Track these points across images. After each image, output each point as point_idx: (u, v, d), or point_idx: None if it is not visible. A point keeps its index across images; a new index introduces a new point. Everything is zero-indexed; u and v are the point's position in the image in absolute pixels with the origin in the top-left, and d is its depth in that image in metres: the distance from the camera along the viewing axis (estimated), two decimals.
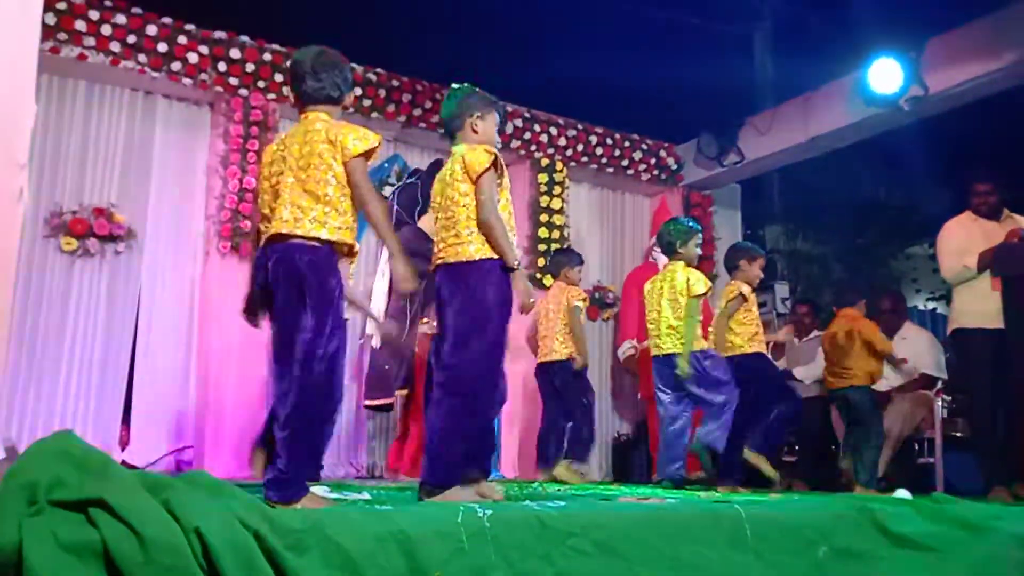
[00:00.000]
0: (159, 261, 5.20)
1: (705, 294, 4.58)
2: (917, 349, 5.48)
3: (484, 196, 2.83)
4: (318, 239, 2.55)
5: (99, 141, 5.12)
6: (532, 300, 3.01)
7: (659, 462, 4.66)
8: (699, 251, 4.78)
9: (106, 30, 4.79)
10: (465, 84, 3.09)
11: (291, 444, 2.47)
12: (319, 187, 2.59)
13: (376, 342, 4.94)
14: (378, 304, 4.97)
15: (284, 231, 2.58)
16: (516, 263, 2.85)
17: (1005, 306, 4.25)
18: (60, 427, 1.95)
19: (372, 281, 5.24)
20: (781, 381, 4.79)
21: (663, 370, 4.62)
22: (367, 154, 2.63)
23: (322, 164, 2.60)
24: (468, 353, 2.78)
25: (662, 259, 5.79)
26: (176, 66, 5.03)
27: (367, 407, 5.02)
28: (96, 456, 1.82)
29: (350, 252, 2.67)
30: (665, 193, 6.93)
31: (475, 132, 3.01)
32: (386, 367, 4.83)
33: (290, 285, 2.56)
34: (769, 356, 5.02)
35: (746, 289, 4.64)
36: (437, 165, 4.52)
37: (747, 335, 4.64)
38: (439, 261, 2.92)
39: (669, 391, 4.61)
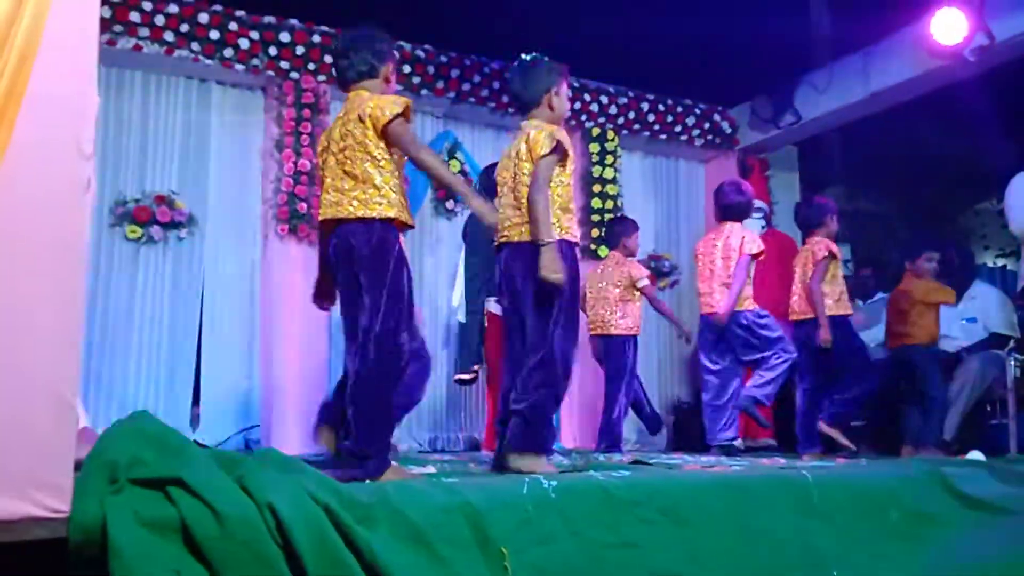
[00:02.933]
0: (220, 245, 5.30)
1: (759, 255, 4.55)
2: (987, 307, 5.33)
3: (539, 176, 2.87)
4: (369, 219, 2.58)
5: (157, 130, 5.23)
6: (557, 275, 2.84)
7: (708, 429, 4.64)
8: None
9: (159, 20, 4.87)
10: (536, 55, 3.07)
11: (361, 420, 2.52)
12: (356, 167, 2.62)
13: (461, 316, 4.98)
14: (461, 281, 5.01)
15: (328, 215, 2.65)
16: (546, 240, 2.81)
17: None
18: (133, 409, 2.02)
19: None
20: (865, 355, 4.66)
21: (711, 329, 4.59)
22: (401, 116, 2.63)
23: (355, 144, 2.62)
24: (545, 329, 2.82)
25: (752, 226, 5.58)
26: (228, 52, 5.10)
27: (456, 381, 5.07)
28: (172, 435, 1.89)
29: (404, 226, 2.69)
30: (749, 159, 6.76)
31: (551, 109, 3.02)
32: (469, 342, 4.90)
33: (348, 266, 2.61)
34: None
35: (834, 247, 4.57)
36: None
37: (835, 295, 4.55)
38: (503, 239, 2.96)
39: (714, 352, 4.58)
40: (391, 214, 2.62)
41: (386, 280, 2.58)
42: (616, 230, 5.39)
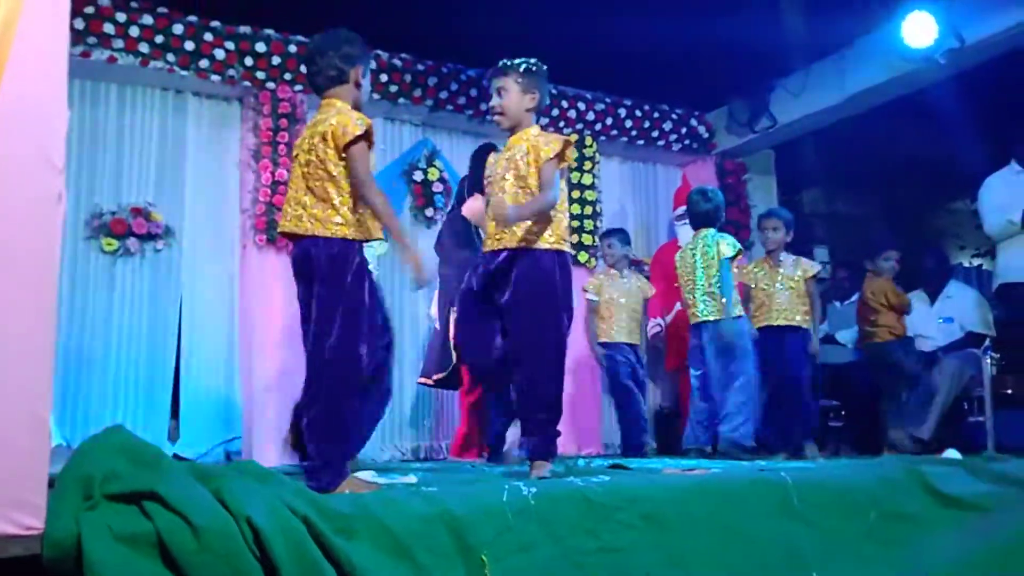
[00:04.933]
0: (198, 256, 5.27)
1: (735, 256, 4.56)
2: (963, 307, 5.39)
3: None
4: (327, 236, 2.58)
5: (133, 141, 5.19)
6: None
7: (688, 431, 4.67)
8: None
9: (134, 32, 4.84)
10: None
11: (316, 432, 2.51)
12: (318, 184, 2.61)
13: (438, 324, 5.00)
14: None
15: (288, 228, 2.66)
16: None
17: None
18: (111, 424, 2.00)
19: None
20: None
21: (698, 338, 4.62)
22: (362, 138, 2.59)
23: (317, 160, 2.62)
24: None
25: (685, 231, 5.82)
26: (204, 63, 5.08)
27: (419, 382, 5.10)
28: (148, 449, 1.88)
29: (369, 240, 2.67)
30: (686, 169, 6.87)
31: (358, 87, 2.80)
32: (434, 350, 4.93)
33: (307, 279, 2.62)
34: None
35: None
36: (483, 151, 4.53)
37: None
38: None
39: (700, 360, 4.61)
40: (347, 233, 2.61)
41: (342, 295, 2.57)
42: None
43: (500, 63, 3.10)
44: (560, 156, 2.99)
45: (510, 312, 2.97)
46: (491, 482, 2.65)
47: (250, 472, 2.03)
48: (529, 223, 2.96)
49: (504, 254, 3.00)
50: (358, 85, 2.77)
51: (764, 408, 4.62)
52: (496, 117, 3.10)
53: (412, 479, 2.95)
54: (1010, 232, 4.41)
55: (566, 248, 3.05)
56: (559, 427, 3.00)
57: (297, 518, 1.79)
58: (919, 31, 5.17)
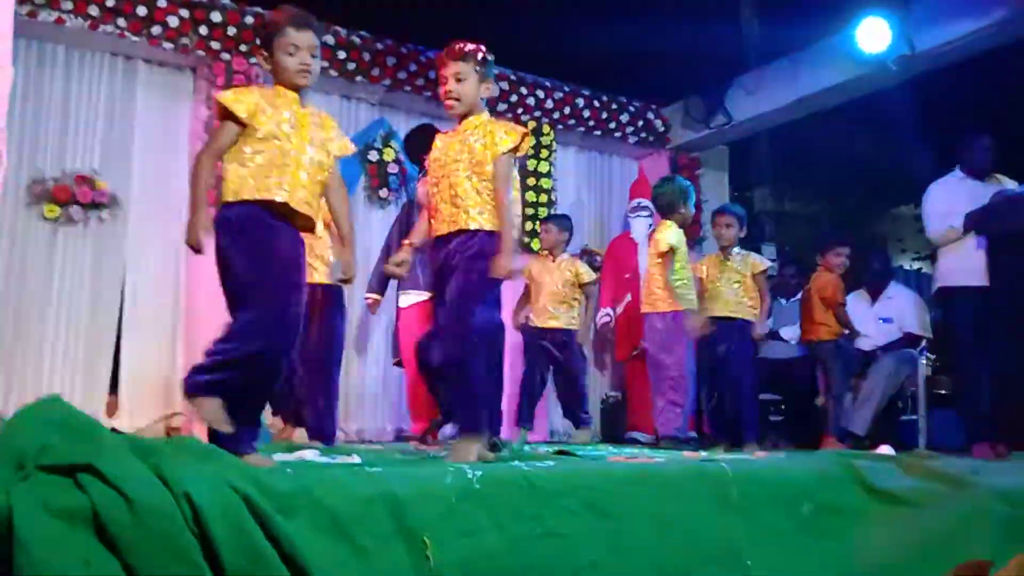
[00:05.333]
0: (144, 228, 5.15)
1: (668, 252, 4.57)
2: (902, 308, 5.53)
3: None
4: (228, 201, 2.52)
5: (80, 107, 5.06)
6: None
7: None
8: (692, 210, 4.83)
9: None
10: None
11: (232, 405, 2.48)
12: None
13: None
14: None
15: None
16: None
17: (990, 265, 4.29)
18: (48, 395, 1.94)
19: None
20: None
21: (646, 328, 4.69)
22: (226, 115, 2.52)
23: None
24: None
25: (638, 224, 5.88)
26: (156, 30, 4.95)
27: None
28: (85, 421, 1.83)
29: (289, 213, 2.56)
30: (642, 162, 6.93)
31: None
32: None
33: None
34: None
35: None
36: (429, 132, 4.48)
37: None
38: None
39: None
40: (229, 197, 2.54)
41: (230, 266, 2.52)
42: None
43: (456, 48, 3.04)
44: (516, 149, 2.96)
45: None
46: (435, 464, 2.64)
47: (190, 449, 2.00)
48: (485, 207, 2.93)
49: (454, 238, 2.97)
50: (249, 78, 2.69)
51: (706, 399, 4.70)
52: (451, 102, 3.04)
53: (355, 459, 2.93)
54: (951, 238, 4.53)
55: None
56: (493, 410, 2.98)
57: (238, 496, 1.76)
58: (873, 37, 5.28)
